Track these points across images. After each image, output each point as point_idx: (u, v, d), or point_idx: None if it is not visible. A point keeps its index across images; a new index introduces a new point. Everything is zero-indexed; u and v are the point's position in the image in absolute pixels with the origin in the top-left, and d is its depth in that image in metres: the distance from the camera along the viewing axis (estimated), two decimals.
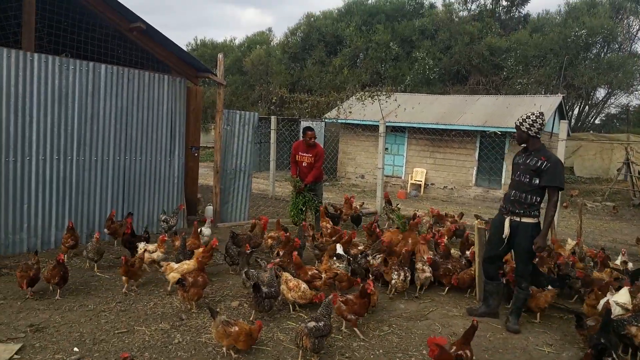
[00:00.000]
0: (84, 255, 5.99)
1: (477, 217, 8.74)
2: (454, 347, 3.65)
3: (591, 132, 24.95)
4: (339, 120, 17.48)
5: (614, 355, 3.68)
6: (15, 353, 3.90)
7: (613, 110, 29.32)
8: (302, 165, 8.02)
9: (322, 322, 3.87)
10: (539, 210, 4.72)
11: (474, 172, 17.01)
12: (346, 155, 19.38)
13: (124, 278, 5.28)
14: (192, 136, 8.78)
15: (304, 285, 4.96)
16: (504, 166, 16.31)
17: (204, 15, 77.37)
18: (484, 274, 5.16)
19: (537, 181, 4.61)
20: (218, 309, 4.89)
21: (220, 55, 8.64)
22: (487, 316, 5.04)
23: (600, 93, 26.91)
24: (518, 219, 4.71)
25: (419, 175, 17.67)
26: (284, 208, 11.02)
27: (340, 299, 4.42)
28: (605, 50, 25.77)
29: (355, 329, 4.49)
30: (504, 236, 4.78)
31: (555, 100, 17.48)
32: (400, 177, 18.13)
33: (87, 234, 7.09)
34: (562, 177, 4.60)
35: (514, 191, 4.77)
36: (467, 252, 6.43)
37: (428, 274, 5.63)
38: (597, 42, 24.73)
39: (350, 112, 17.83)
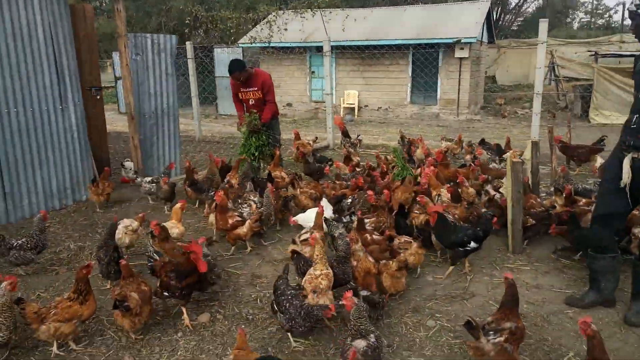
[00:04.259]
0: None
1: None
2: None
3: (510, 38, 24.92)
4: (272, 44, 14.84)
5: None
6: None
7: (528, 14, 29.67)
8: (249, 104, 6.33)
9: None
10: None
11: (408, 90, 16.08)
12: None
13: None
14: (88, 73, 6.62)
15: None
16: (439, 81, 15.48)
17: None
18: (593, 243, 3.62)
19: None
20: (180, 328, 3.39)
21: None
22: (600, 305, 3.60)
23: None
24: None
25: (351, 97, 16.56)
26: (219, 152, 9.27)
27: None
28: None
29: None
30: (622, 183, 3.32)
31: (484, 5, 16.58)
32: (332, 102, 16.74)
33: None
34: None
35: (636, 116, 3.24)
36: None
37: None
38: None
39: (285, 31, 15.36)
